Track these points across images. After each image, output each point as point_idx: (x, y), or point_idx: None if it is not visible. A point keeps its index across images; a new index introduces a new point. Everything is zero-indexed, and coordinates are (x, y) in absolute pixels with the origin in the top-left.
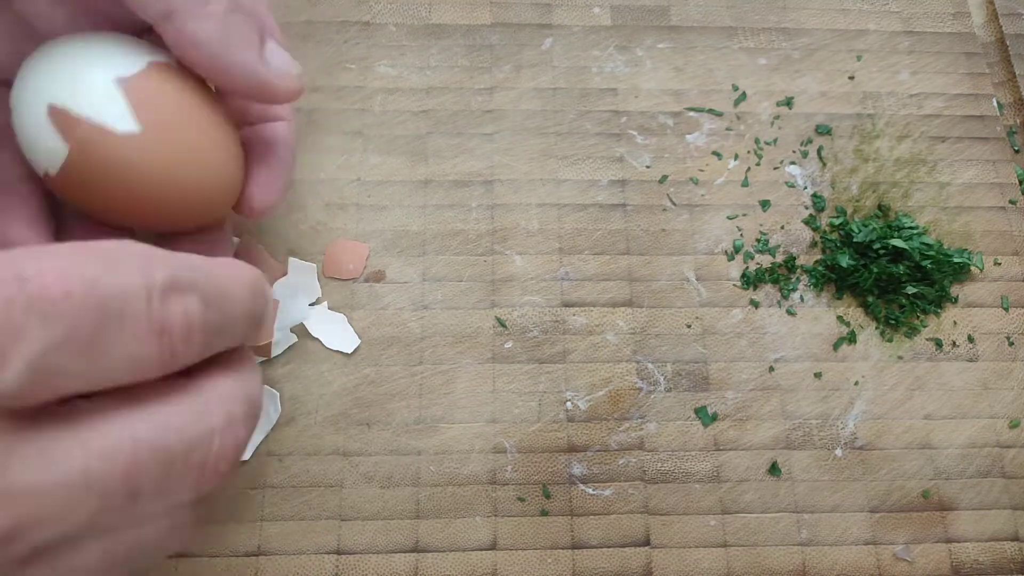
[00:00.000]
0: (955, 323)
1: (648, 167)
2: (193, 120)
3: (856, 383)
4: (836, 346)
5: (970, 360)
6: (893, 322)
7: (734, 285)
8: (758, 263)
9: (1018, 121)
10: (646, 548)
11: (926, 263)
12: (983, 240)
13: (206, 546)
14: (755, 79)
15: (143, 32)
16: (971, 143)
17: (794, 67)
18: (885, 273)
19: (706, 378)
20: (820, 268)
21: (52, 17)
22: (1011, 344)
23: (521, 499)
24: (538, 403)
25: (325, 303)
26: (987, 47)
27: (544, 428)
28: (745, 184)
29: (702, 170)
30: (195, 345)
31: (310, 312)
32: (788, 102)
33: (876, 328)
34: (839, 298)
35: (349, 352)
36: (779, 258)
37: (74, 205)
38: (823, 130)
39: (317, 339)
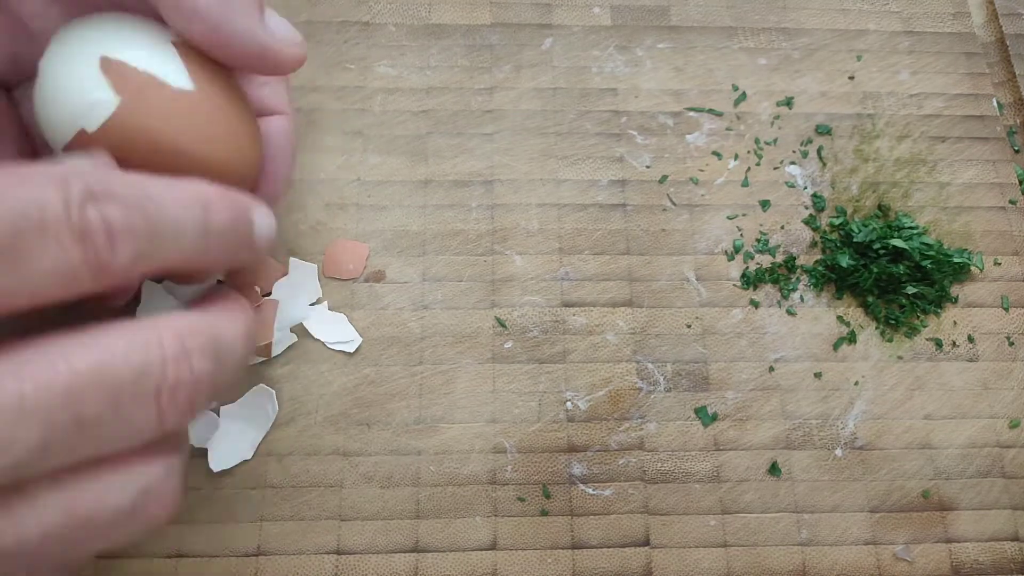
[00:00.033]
0: (955, 323)
1: (648, 167)
2: (229, 89)
3: (856, 383)
4: (836, 346)
5: (970, 360)
6: (893, 322)
7: (734, 285)
8: (758, 263)
9: (1018, 121)
10: (646, 548)
11: (926, 263)
12: (983, 240)
13: (206, 546)
14: (755, 79)
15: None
16: (971, 143)
17: (794, 67)
18: (885, 273)
19: (706, 378)
20: (820, 268)
21: (47, 16)
22: (1011, 344)
23: (521, 499)
24: (538, 403)
25: (325, 303)
26: (987, 47)
27: (544, 428)
28: (745, 184)
29: (702, 170)
30: (124, 252)
31: (310, 312)
32: (788, 102)
33: (876, 328)
34: (839, 298)
35: (351, 351)
36: (779, 258)
37: None
38: (823, 130)
39: (317, 339)
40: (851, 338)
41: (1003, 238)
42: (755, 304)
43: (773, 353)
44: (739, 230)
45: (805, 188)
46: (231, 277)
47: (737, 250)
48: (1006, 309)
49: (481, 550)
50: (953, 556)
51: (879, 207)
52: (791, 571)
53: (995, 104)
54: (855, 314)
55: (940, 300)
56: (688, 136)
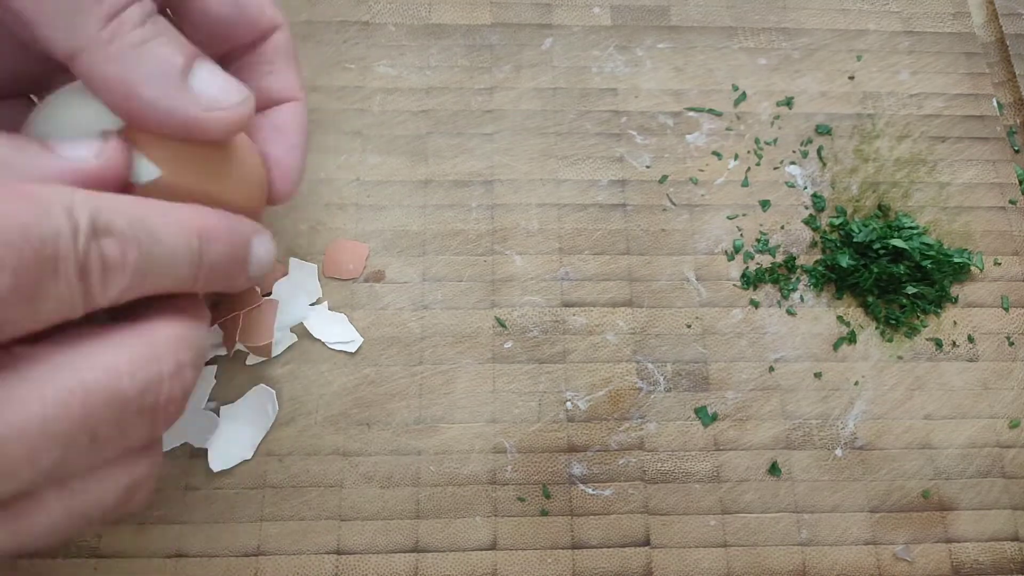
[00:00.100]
0: (955, 323)
1: (648, 167)
2: (205, 156)
3: (856, 383)
4: (836, 346)
5: (970, 360)
6: (893, 322)
7: (734, 285)
8: (758, 263)
9: (1018, 121)
10: (646, 548)
11: (926, 263)
12: (983, 240)
13: (206, 546)
14: (755, 79)
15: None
16: (971, 143)
17: (794, 67)
18: (885, 273)
19: (706, 378)
20: (820, 268)
21: None
22: (1011, 344)
23: (521, 499)
24: (538, 403)
25: (325, 303)
26: (987, 47)
27: (544, 428)
28: (745, 184)
29: (702, 170)
30: (114, 286)
31: (310, 312)
32: (788, 102)
33: (876, 328)
34: (839, 298)
35: (352, 351)
36: (779, 258)
37: None
38: (823, 130)
39: (317, 339)
40: (851, 338)
41: (1003, 238)
42: (755, 304)
43: (773, 353)
44: (739, 230)
45: (805, 188)
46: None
47: (737, 250)
48: (1006, 309)
49: (481, 550)
50: (953, 556)
51: (879, 207)
52: (791, 571)
53: (995, 104)
54: (855, 314)
55: (940, 300)
56: (688, 136)
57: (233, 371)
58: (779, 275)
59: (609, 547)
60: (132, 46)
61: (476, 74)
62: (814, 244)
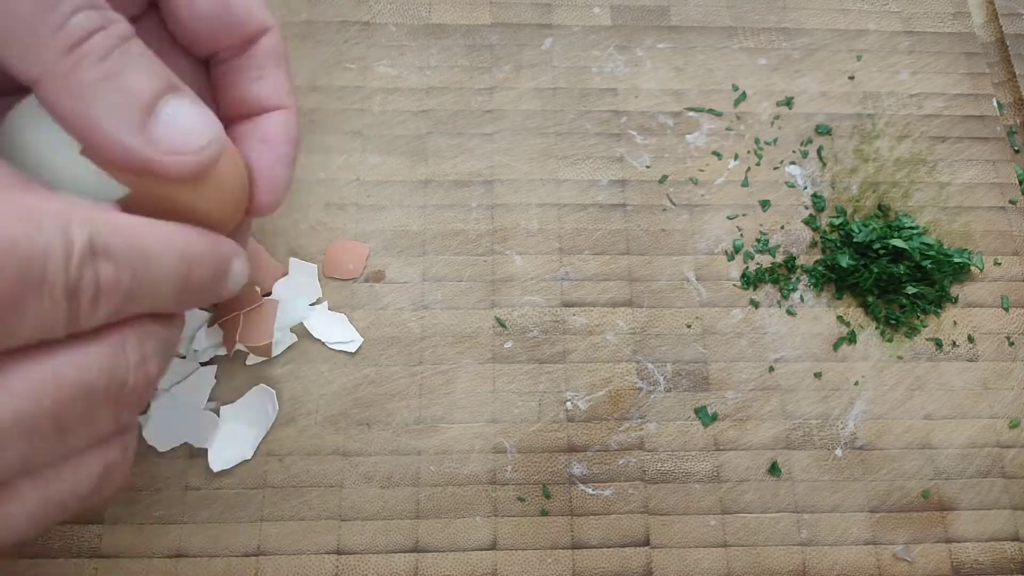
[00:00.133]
0: (955, 323)
1: (648, 167)
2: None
3: (856, 383)
4: (836, 346)
5: (970, 360)
6: (893, 322)
7: (734, 285)
8: (758, 263)
9: (1018, 121)
10: (646, 548)
11: (926, 263)
12: (983, 240)
13: (206, 546)
14: (755, 79)
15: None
16: (971, 143)
17: (794, 67)
18: (885, 273)
19: (706, 378)
20: (820, 268)
21: None
22: (1011, 344)
23: (521, 499)
24: (538, 403)
25: (325, 303)
26: (987, 47)
27: (544, 428)
28: (745, 184)
29: (702, 170)
30: (103, 309)
31: (310, 312)
32: (788, 102)
33: (876, 328)
34: (839, 298)
35: (352, 351)
36: (779, 258)
37: None
38: (823, 130)
39: (317, 339)
40: (851, 338)
41: (1003, 238)
42: (755, 304)
43: (773, 353)
44: (739, 230)
45: (805, 188)
46: None
47: (737, 250)
48: (1006, 309)
49: (481, 550)
50: (953, 556)
51: (879, 207)
52: (791, 571)
53: (995, 104)
54: (855, 314)
55: (940, 300)
56: (688, 136)
57: (233, 371)
58: (779, 275)
59: (609, 547)
60: (93, 81)
61: (476, 74)
62: (814, 244)
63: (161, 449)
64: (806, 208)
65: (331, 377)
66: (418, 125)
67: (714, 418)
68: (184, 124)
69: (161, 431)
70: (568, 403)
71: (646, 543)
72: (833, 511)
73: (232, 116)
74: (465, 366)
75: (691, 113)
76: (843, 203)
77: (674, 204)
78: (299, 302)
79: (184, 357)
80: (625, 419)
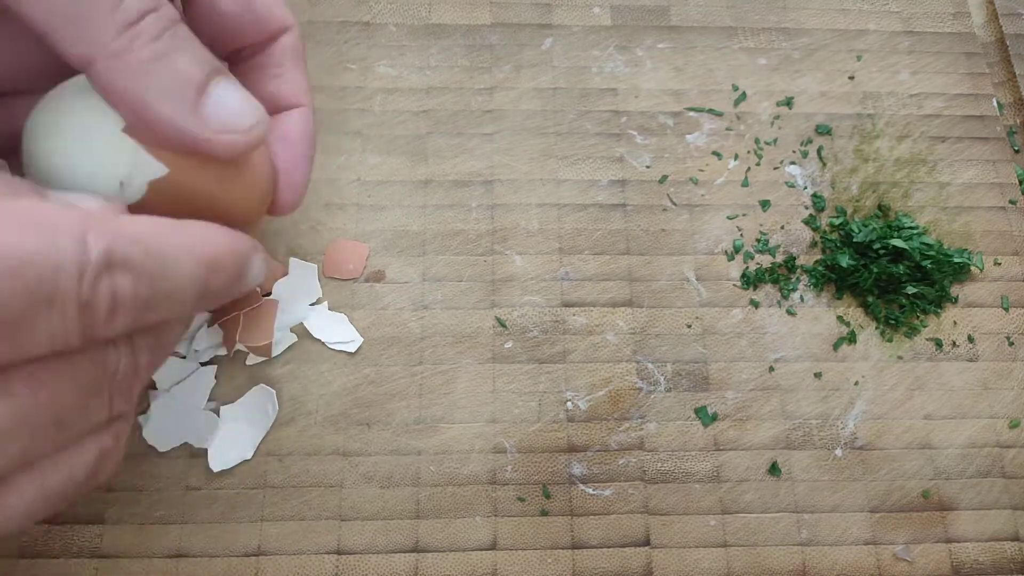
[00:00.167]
0: (955, 323)
1: (648, 167)
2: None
3: (856, 383)
4: (836, 346)
5: (970, 360)
6: (893, 322)
7: (734, 285)
8: (758, 263)
9: (1018, 121)
10: (646, 548)
11: (926, 263)
12: (983, 240)
13: (206, 546)
14: (755, 79)
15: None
16: (971, 143)
17: (794, 67)
18: (885, 273)
19: (706, 378)
20: (820, 268)
21: None
22: (1011, 344)
23: (521, 499)
24: (538, 403)
25: (325, 303)
26: (987, 47)
27: (544, 428)
28: (745, 184)
29: (702, 170)
30: (120, 322)
31: (310, 312)
32: (788, 102)
33: (876, 328)
34: (839, 298)
35: (352, 351)
36: (779, 258)
37: None
38: (823, 130)
39: (317, 339)
40: (851, 338)
41: (1003, 238)
42: (755, 304)
43: (773, 353)
44: (739, 230)
45: (805, 188)
46: None
47: (737, 250)
48: (1006, 309)
49: (481, 550)
50: (953, 556)
51: (879, 207)
52: (791, 571)
53: (995, 104)
54: (855, 314)
55: (940, 300)
56: (688, 136)
57: (233, 371)
58: (779, 275)
59: (609, 547)
60: (146, 60)
61: (476, 74)
62: (814, 244)
63: (161, 449)
64: (806, 208)
65: (331, 377)
66: (418, 125)
67: (714, 418)
68: (234, 105)
69: (161, 431)
70: (568, 403)
71: (646, 543)
72: (833, 511)
73: None
74: (465, 366)
75: (691, 113)
76: (843, 203)
77: (674, 204)
78: (299, 302)
79: (184, 357)
80: (625, 419)
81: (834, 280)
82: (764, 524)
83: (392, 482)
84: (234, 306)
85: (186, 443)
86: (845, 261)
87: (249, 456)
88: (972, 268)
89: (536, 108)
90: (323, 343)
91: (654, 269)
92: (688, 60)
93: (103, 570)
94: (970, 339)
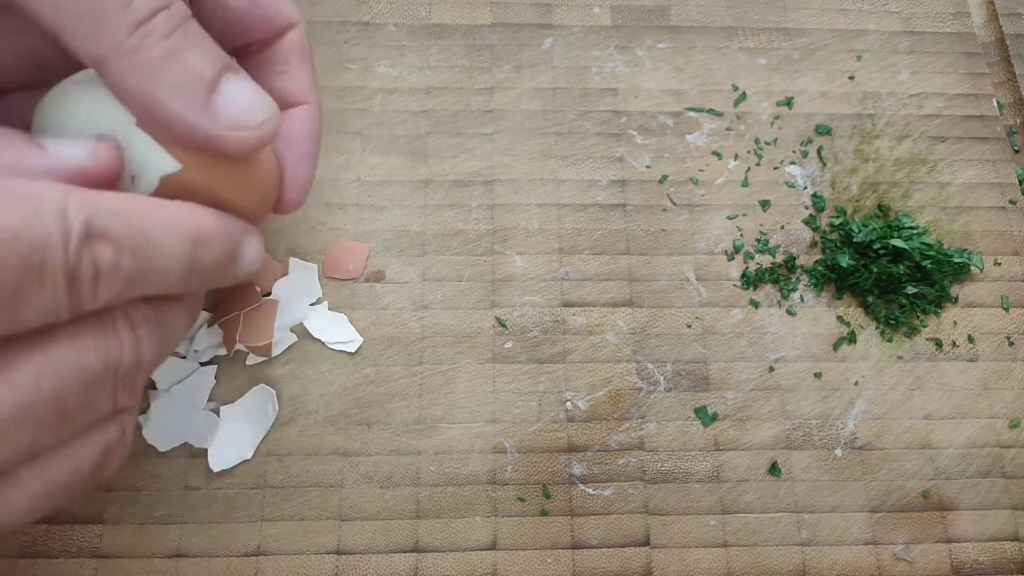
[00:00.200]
0: (955, 323)
1: (648, 167)
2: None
3: (856, 383)
4: (836, 346)
5: (970, 360)
6: (893, 322)
7: (734, 285)
8: (758, 263)
9: (1018, 121)
10: (646, 548)
11: (926, 263)
12: (983, 240)
13: (206, 546)
14: (755, 79)
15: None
16: (971, 143)
17: (794, 67)
18: (885, 273)
19: (706, 378)
20: (820, 268)
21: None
22: (1011, 344)
23: (521, 499)
24: (538, 403)
25: (325, 303)
26: (987, 47)
27: (544, 428)
28: (745, 184)
29: (702, 170)
30: (105, 293)
31: (310, 312)
32: (788, 102)
33: (876, 328)
34: (839, 298)
35: (352, 351)
36: (779, 258)
37: None
38: (823, 130)
39: (317, 339)
40: (851, 338)
41: (1003, 238)
42: (755, 304)
43: (773, 353)
44: (739, 230)
45: (805, 188)
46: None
47: (737, 250)
48: (1006, 309)
49: (481, 550)
50: (953, 556)
51: (879, 207)
52: (791, 571)
53: (995, 104)
54: (855, 314)
55: (940, 300)
56: (688, 136)
57: (233, 371)
58: (779, 275)
59: (609, 547)
60: (158, 58)
61: (476, 74)
62: (814, 244)
63: (161, 449)
64: (806, 208)
65: (331, 377)
66: (418, 125)
67: (714, 418)
68: (245, 101)
69: (161, 431)
70: (568, 403)
71: (646, 543)
72: (833, 511)
73: None
74: (465, 366)
75: (691, 113)
76: (843, 203)
77: (674, 204)
78: (299, 302)
79: (184, 357)
80: (625, 419)
81: (834, 280)
82: (764, 524)
83: (392, 482)
84: (234, 306)
85: (186, 443)
86: (845, 261)
87: (249, 456)
88: (972, 268)
89: (536, 108)
90: (323, 343)
91: (654, 269)
92: (688, 60)
93: (103, 570)
94: (970, 339)
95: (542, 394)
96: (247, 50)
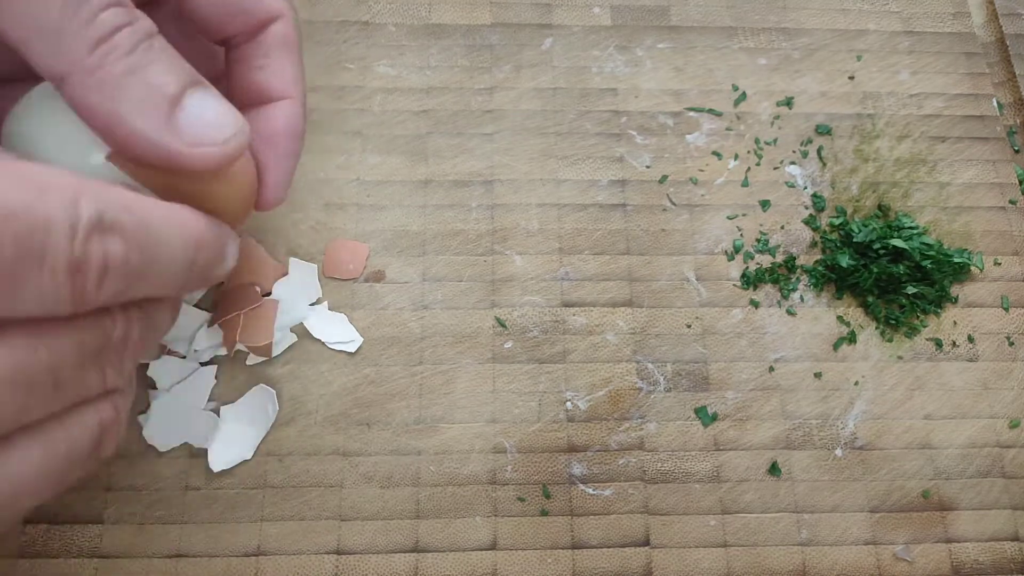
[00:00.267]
0: (955, 323)
1: (648, 167)
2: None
3: (856, 383)
4: (836, 346)
5: (970, 360)
6: (893, 322)
7: (734, 285)
8: (758, 263)
9: (1018, 121)
10: (646, 548)
11: (926, 263)
12: (983, 240)
13: (206, 546)
14: (755, 79)
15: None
16: (971, 143)
17: (794, 67)
18: (885, 273)
19: (706, 378)
20: (820, 268)
21: None
22: (1011, 344)
23: (521, 499)
24: (538, 403)
25: (325, 303)
26: (987, 47)
27: (544, 428)
28: (745, 184)
29: (702, 170)
30: (109, 289)
31: (310, 312)
32: (788, 102)
33: (876, 328)
34: (839, 298)
35: (352, 351)
36: (779, 258)
37: None
38: (823, 130)
39: (317, 339)
40: (851, 338)
41: (1003, 238)
42: (755, 304)
43: (773, 353)
44: (739, 230)
45: (805, 188)
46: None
47: (737, 250)
48: (1006, 309)
49: (481, 550)
50: (953, 556)
51: (879, 207)
52: (791, 571)
53: (995, 104)
54: (855, 314)
55: (940, 300)
56: (688, 136)
57: (233, 371)
58: (779, 275)
59: (609, 547)
60: (120, 75)
61: (476, 74)
62: (814, 244)
63: (161, 449)
64: (806, 208)
65: (331, 377)
66: (418, 125)
67: (714, 418)
68: (209, 117)
69: (161, 431)
70: (568, 403)
71: (646, 543)
72: (833, 511)
73: (241, 104)
74: (465, 366)
75: (691, 113)
76: (843, 203)
77: (674, 204)
78: (299, 302)
79: (184, 357)
80: (625, 419)
81: (834, 280)
82: (764, 524)
83: (392, 482)
84: (234, 306)
85: (186, 443)
86: (845, 261)
87: (249, 456)
88: (972, 268)
89: (536, 108)
90: (323, 343)
91: (654, 269)
92: (688, 60)
93: (103, 570)
94: (970, 339)
95: (542, 394)
96: (232, 42)
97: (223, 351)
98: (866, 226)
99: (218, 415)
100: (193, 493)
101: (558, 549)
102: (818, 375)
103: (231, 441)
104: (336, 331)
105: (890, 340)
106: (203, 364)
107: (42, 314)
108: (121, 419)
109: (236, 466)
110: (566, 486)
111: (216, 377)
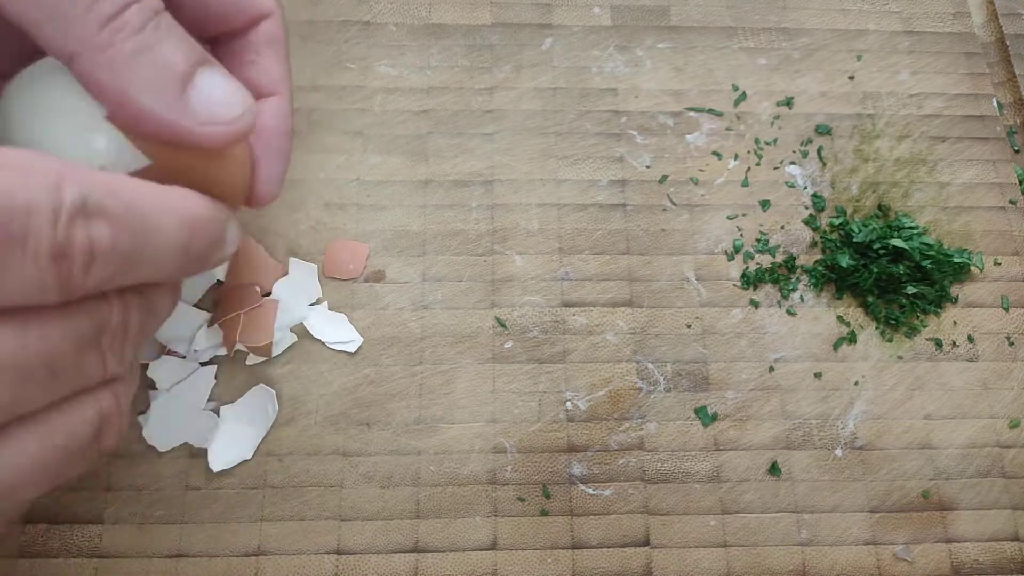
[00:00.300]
0: (955, 323)
1: (648, 167)
2: (196, 152)
3: (856, 383)
4: (836, 346)
5: (970, 360)
6: (893, 322)
7: (734, 285)
8: (758, 263)
9: (1018, 121)
10: (646, 548)
11: (926, 263)
12: (983, 240)
13: (206, 546)
14: (755, 79)
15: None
16: (971, 143)
17: (794, 67)
18: (885, 273)
19: (706, 378)
20: (820, 268)
21: None
22: (1011, 344)
23: (521, 499)
24: (538, 403)
25: (325, 303)
26: (987, 47)
27: (544, 428)
28: (745, 184)
29: (702, 170)
30: (98, 274)
31: (310, 312)
32: (788, 102)
33: (876, 328)
34: (839, 298)
35: (352, 351)
36: (779, 258)
37: None
38: (823, 130)
39: (317, 339)
40: (851, 338)
41: (1003, 238)
42: (755, 304)
43: (773, 353)
44: (739, 230)
45: (805, 188)
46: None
47: (737, 250)
48: (1006, 309)
49: (481, 550)
50: (953, 556)
51: (879, 207)
52: (791, 571)
53: (995, 104)
54: (855, 314)
55: (940, 300)
56: (688, 136)
57: (233, 371)
58: (779, 275)
59: (609, 547)
60: (130, 53)
61: (476, 74)
62: (814, 244)
63: (161, 449)
64: (806, 208)
65: (331, 377)
66: (418, 125)
67: (714, 418)
68: (219, 95)
69: (161, 431)
70: (568, 403)
71: (646, 543)
72: (833, 511)
73: None
74: (465, 366)
75: (691, 113)
76: (843, 203)
77: (674, 204)
78: (299, 302)
79: (184, 357)
80: (625, 419)
81: (834, 280)
82: (764, 524)
83: (392, 482)
84: (234, 306)
85: (186, 443)
86: (845, 261)
87: (249, 456)
88: (972, 268)
89: (536, 108)
90: (323, 343)
91: (654, 269)
92: (688, 60)
93: (103, 570)
94: (970, 339)
95: (542, 394)
96: (220, 39)
97: (223, 351)
98: (866, 226)
99: (218, 415)
100: (193, 493)
101: (558, 549)
102: (818, 375)
103: (231, 441)
104: (336, 331)
105: (890, 340)
106: (203, 364)
107: (28, 302)
108: (123, 409)
109: (236, 466)
110: (566, 486)
111: (216, 377)
